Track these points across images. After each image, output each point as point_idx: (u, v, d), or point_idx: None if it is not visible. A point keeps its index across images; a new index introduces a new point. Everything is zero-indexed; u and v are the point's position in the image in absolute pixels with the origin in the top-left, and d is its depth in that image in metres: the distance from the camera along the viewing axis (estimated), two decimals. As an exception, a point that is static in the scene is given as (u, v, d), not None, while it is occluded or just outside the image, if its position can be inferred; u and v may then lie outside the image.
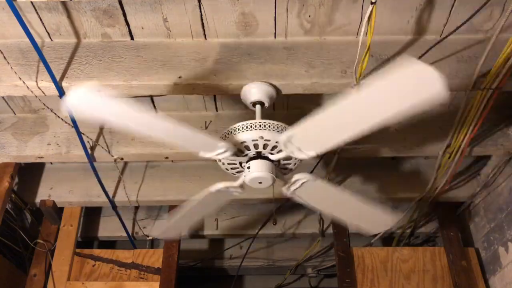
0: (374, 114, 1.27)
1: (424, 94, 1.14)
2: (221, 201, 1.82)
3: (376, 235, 2.93)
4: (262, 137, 1.56)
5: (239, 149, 1.60)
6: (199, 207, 1.83)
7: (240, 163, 1.67)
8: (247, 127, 1.57)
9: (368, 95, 1.24)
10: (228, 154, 1.56)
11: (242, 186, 1.68)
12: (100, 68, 1.83)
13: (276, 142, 1.57)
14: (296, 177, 1.64)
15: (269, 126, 1.57)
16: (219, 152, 1.55)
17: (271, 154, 1.60)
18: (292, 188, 1.68)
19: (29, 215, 2.85)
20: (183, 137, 1.50)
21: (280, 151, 1.60)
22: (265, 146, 1.59)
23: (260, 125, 1.56)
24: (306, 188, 1.67)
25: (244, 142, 1.57)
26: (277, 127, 1.57)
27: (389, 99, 1.21)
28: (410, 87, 1.16)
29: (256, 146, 1.58)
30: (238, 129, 1.57)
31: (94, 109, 1.37)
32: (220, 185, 1.67)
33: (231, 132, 1.58)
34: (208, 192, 1.70)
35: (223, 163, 1.69)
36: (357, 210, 1.78)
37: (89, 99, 1.33)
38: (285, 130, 1.57)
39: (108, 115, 1.41)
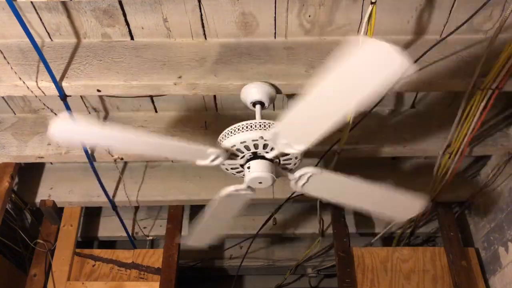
0: (346, 98, 1.26)
1: (388, 70, 1.13)
2: (237, 205, 1.80)
3: (376, 235, 2.93)
4: (262, 137, 1.56)
5: (239, 150, 1.60)
6: (216, 214, 1.82)
7: (241, 164, 1.66)
8: (246, 127, 1.57)
9: (332, 82, 1.22)
10: (221, 159, 1.57)
11: (250, 187, 1.67)
12: (100, 68, 1.83)
13: (295, 158, 1.58)
14: (300, 172, 1.62)
15: (269, 126, 1.57)
16: (212, 158, 1.56)
17: (266, 153, 1.60)
18: (300, 183, 1.65)
19: (29, 215, 2.85)
20: (172, 150, 1.54)
21: (288, 164, 1.61)
22: (265, 146, 1.59)
23: (260, 125, 1.56)
24: (314, 181, 1.65)
25: (244, 142, 1.57)
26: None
27: (354, 80, 1.19)
28: (371, 66, 1.14)
29: (256, 146, 1.58)
30: (238, 130, 1.57)
31: (79, 136, 1.48)
32: (228, 189, 1.66)
33: (230, 133, 1.58)
34: (220, 198, 1.69)
35: (223, 164, 1.68)
36: (379, 198, 1.74)
37: (72, 128, 1.38)
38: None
39: (94, 139, 1.48)
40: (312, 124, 1.39)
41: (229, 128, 1.58)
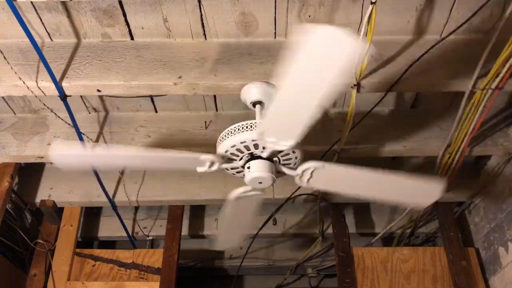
0: (314, 87, 1.24)
1: (342, 53, 1.11)
2: (250, 206, 1.82)
3: (376, 235, 2.93)
4: (253, 139, 1.56)
5: (233, 153, 1.60)
6: (233, 216, 1.84)
7: (241, 165, 1.66)
8: (236, 130, 1.57)
9: (295, 74, 1.21)
10: (217, 165, 1.59)
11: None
12: (100, 68, 1.83)
13: (295, 158, 1.59)
14: (301, 167, 1.61)
15: (255, 126, 1.57)
16: (208, 165, 1.59)
17: (262, 152, 1.61)
18: (304, 179, 1.64)
19: (29, 215, 2.85)
20: (168, 161, 1.60)
21: (288, 163, 1.61)
22: (281, 153, 1.59)
23: (247, 126, 1.57)
24: (319, 175, 1.63)
25: (234, 146, 1.57)
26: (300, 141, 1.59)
27: (315, 68, 1.17)
28: (326, 53, 1.12)
29: (256, 146, 1.58)
30: (228, 134, 1.58)
31: (78, 160, 1.62)
32: (211, 157, 1.62)
33: (222, 139, 1.59)
34: (230, 201, 1.71)
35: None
36: (393, 185, 1.71)
37: (70, 153, 1.54)
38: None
39: (91, 161, 1.66)
40: (292, 118, 1.38)
41: (222, 134, 1.59)
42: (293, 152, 1.59)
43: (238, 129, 1.56)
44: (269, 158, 1.61)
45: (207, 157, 1.56)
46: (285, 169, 1.64)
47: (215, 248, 2.16)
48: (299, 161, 1.66)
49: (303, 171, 1.58)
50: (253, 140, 1.55)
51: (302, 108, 1.31)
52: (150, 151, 1.62)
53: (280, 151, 1.58)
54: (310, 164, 1.58)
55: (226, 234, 2.07)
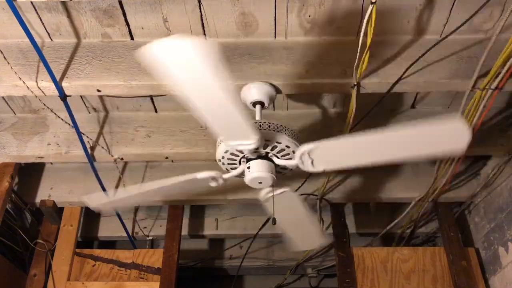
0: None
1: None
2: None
3: (376, 235, 2.93)
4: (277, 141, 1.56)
5: (233, 154, 1.60)
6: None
7: (240, 162, 1.66)
8: (268, 126, 1.58)
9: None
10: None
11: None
12: (100, 68, 1.83)
13: (286, 147, 1.58)
14: (297, 155, 1.55)
15: (285, 130, 1.59)
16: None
17: (277, 157, 1.60)
18: (307, 164, 1.56)
19: (29, 215, 2.85)
20: (180, 187, 1.67)
21: (286, 155, 1.60)
22: (273, 148, 1.58)
23: (278, 128, 1.58)
24: (320, 156, 1.53)
25: (227, 151, 1.57)
26: (290, 132, 1.60)
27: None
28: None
29: (265, 146, 1.58)
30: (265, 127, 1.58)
31: (111, 204, 1.90)
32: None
33: (218, 143, 1.59)
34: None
35: (223, 163, 1.69)
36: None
37: (103, 200, 1.79)
38: (294, 135, 1.60)
39: (121, 203, 1.92)
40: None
41: (267, 122, 1.59)
42: (286, 145, 1.58)
43: (282, 129, 1.59)
44: (267, 157, 1.60)
45: (206, 175, 1.59)
46: (285, 162, 1.63)
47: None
48: (291, 171, 1.66)
49: (301, 157, 1.53)
50: (286, 146, 1.57)
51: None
52: (156, 184, 1.68)
53: (273, 149, 1.58)
54: (303, 148, 1.51)
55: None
